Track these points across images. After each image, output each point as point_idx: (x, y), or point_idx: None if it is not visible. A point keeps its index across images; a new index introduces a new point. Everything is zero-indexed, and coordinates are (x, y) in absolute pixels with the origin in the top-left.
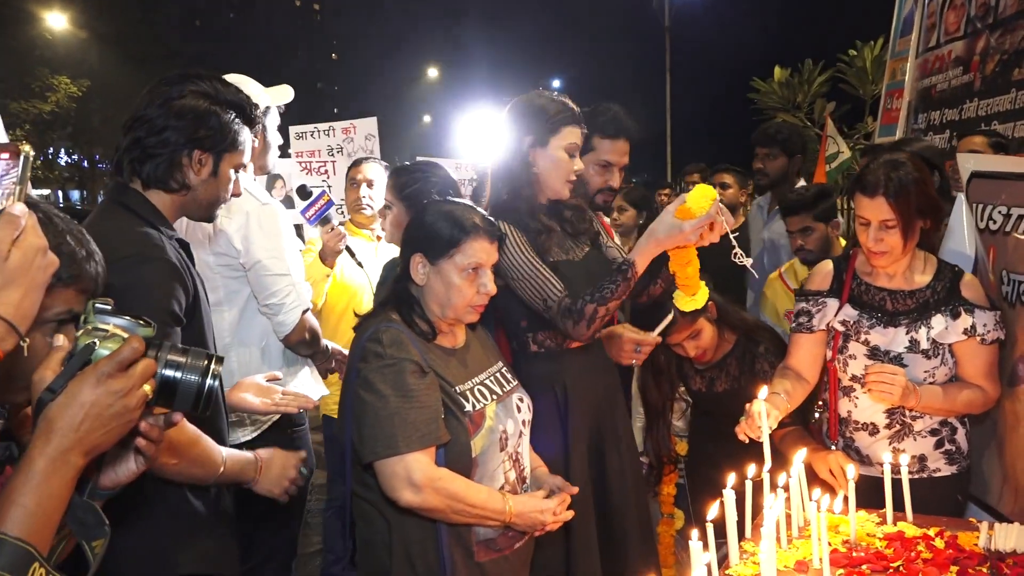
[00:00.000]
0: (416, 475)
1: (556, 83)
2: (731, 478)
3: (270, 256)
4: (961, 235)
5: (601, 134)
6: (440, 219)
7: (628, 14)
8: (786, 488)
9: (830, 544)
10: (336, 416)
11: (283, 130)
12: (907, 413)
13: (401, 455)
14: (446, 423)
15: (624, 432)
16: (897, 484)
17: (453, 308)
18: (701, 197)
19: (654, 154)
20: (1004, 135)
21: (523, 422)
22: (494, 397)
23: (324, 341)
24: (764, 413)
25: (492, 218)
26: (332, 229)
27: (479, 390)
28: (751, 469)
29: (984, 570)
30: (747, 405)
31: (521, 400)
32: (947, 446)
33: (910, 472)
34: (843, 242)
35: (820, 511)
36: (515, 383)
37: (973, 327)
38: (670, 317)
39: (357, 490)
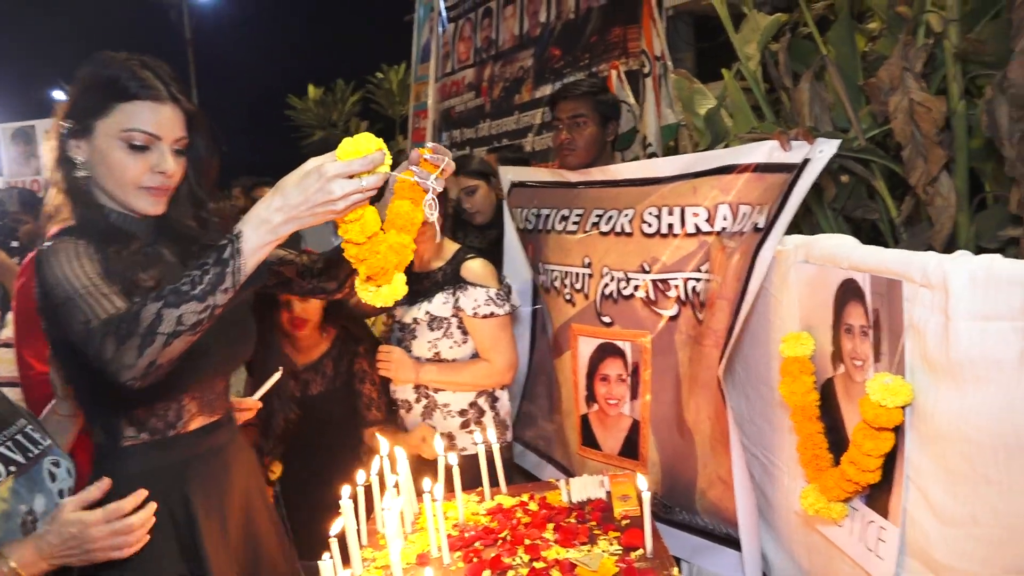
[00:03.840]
0: None
1: (61, 95)
2: (346, 489)
3: None
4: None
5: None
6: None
7: (145, 22)
8: (396, 486)
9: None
10: None
11: None
12: (429, 390)
13: None
14: None
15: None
16: (489, 459)
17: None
18: (359, 143)
19: None
20: (522, 149)
21: (61, 492)
22: (11, 471)
23: None
24: None
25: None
26: None
27: None
28: (360, 475)
29: (572, 520)
30: None
31: (56, 464)
32: (472, 427)
33: (454, 449)
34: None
35: (435, 501)
36: (48, 443)
37: (459, 302)
38: (278, 375)
39: None
